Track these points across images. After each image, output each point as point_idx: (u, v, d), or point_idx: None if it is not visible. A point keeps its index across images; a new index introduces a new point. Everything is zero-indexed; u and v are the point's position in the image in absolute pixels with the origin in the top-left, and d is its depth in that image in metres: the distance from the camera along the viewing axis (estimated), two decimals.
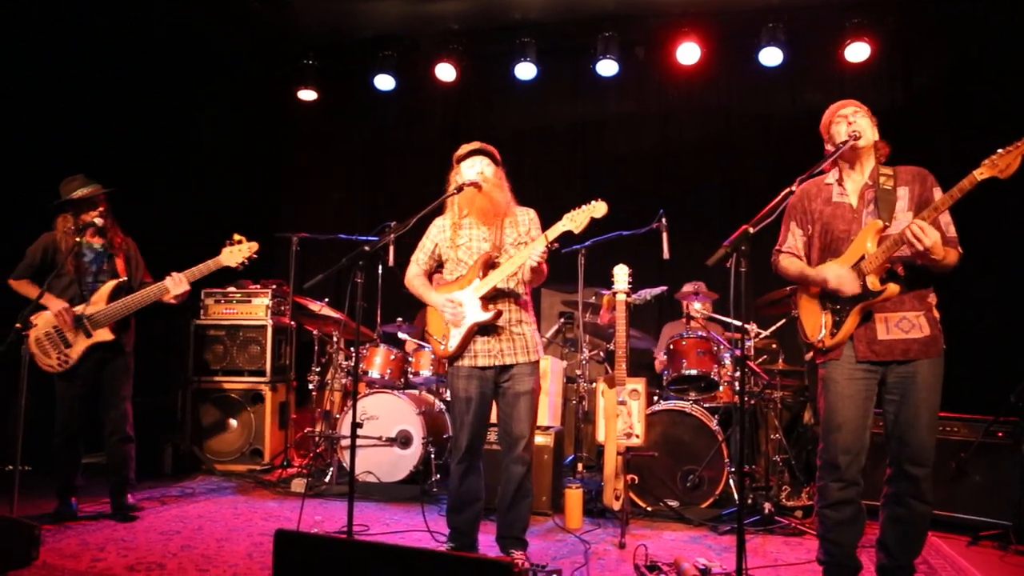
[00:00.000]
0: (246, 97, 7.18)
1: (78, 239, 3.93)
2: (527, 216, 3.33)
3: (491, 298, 3.20)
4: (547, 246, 2.99)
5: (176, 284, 3.91)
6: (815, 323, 2.88)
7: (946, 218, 2.73)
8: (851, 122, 2.84)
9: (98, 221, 3.98)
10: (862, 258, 2.74)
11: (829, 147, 2.93)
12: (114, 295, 3.95)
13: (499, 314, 3.16)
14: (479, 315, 3.16)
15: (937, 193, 2.75)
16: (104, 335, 3.90)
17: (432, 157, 6.94)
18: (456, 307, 3.19)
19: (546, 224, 3.18)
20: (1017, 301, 5.08)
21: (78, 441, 4.01)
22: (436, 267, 3.42)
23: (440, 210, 3.38)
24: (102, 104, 5.89)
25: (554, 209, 3.10)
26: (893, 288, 2.69)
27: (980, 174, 2.51)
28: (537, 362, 3.25)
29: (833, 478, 2.79)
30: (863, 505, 2.83)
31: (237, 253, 3.96)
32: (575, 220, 2.98)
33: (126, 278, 4.03)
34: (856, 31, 5.60)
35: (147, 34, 6.11)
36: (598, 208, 2.97)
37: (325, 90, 6.76)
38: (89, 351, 3.91)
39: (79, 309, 3.90)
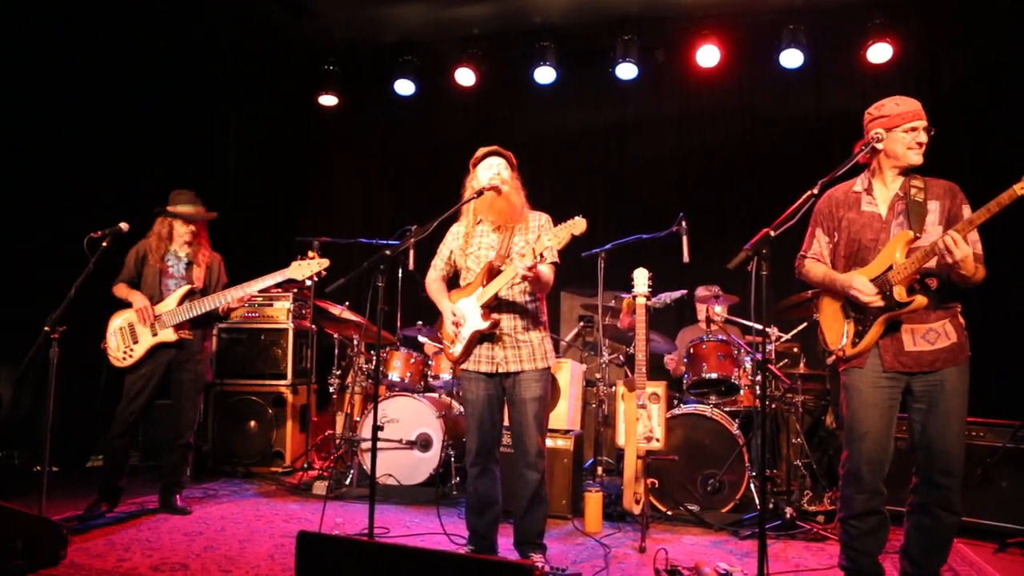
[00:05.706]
0: (269, 103, 7.27)
1: (168, 246, 4.20)
2: (537, 222, 3.30)
3: (494, 306, 3.20)
4: (534, 259, 2.96)
5: (235, 298, 4.12)
6: (836, 331, 2.84)
7: (974, 235, 2.62)
8: (921, 143, 2.71)
9: (187, 236, 4.23)
10: (890, 268, 2.68)
11: (874, 135, 2.74)
12: (184, 300, 4.14)
13: (496, 323, 3.18)
14: (478, 324, 3.19)
15: (966, 210, 2.67)
16: (167, 335, 4.09)
17: (452, 161, 6.90)
18: (455, 320, 3.24)
19: None
20: None
21: (133, 439, 4.22)
22: (454, 272, 3.44)
23: (459, 215, 3.39)
24: (130, 111, 5.99)
25: (572, 214, 3.09)
26: (920, 300, 2.63)
27: (1021, 188, 2.40)
28: (546, 369, 3.24)
29: (857, 489, 2.76)
30: (887, 514, 2.79)
31: (306, 267, 4.05)
32: (558, 236, 2.96)
33: (199, 286, 4.21)
34: (879, 32, 5.53)
35: (171, 41, 6.21)
36: (578, 225, 2.94)
37: (346, 95, 6.82)
38: (154, 350, 4.09)
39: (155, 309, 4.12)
